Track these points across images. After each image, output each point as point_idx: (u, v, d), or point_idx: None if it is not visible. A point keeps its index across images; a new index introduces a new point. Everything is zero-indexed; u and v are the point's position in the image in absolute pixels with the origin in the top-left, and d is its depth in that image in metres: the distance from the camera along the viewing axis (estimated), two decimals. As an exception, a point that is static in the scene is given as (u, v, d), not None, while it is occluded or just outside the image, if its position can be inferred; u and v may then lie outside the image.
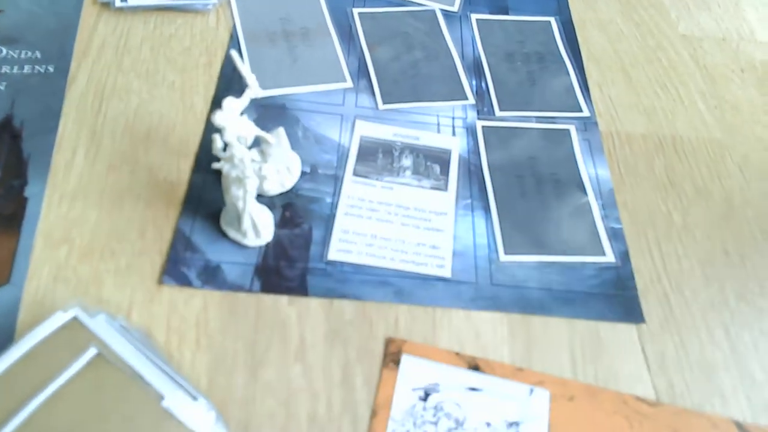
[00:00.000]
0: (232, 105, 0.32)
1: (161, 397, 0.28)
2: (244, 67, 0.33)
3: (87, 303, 0.31)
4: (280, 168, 0.37)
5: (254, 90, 0.33)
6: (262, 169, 0.35)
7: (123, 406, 0.28)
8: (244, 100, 0.33)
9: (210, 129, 0.39)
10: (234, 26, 0.45)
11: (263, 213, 0.35)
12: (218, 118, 0.31)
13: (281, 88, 0.42)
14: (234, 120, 0.33)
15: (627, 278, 0.36)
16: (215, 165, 0.34)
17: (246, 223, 0.34)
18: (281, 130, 0.37)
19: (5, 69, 0.42)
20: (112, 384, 0.28)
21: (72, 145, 0.38)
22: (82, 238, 0.34)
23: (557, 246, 0.36)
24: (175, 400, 0.28)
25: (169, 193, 0.36)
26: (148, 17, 0.45)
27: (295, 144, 0.38)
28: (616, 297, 0.35)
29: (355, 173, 0.38)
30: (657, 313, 0.36)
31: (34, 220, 0.35)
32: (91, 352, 0.29)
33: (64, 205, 0.36)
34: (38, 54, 0.43)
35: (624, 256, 0.37)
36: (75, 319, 0.30)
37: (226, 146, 0.33)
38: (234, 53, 0.32)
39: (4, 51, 0.42)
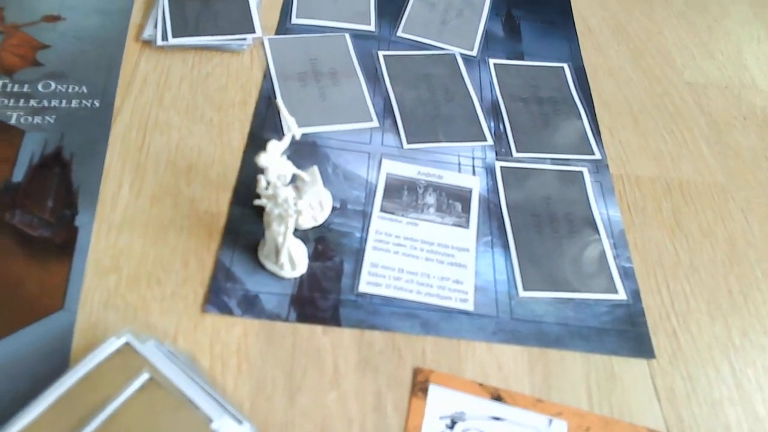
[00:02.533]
0: (275, 147, 0.35)
1: (210, 421, 0.30)
2: (286, 112, 0.35)
3: (137, 329, 0.33)
4: (314, 203, 0.40)
5: (294, 132, 0.36)
6: (297, 205, 0.37)
7: (175, 429, 0.30)
8: (285, 141, 0.35)
9: (247, 164, 0.42)
10: (267, 66, 0.48)
11: (299, 247, 0.38)
12: (263, 159, 0.34)
13: (312, 126, 0.44)
14: (276, 161, 0.35)
15: (638, 315, 0.39)
16: (257, 202, 0.36)
17: (284, 257, 0.36)
18: (315, 169, 0.40)
19: (54, 103, 0.44)
20: (164, 407, 0.30)
21: (118, 177, 0.41)
22: (129, 267, 0.37)
23: (572, 283, 0.39)
24: (222, 424, 0.30)
25: (210, 224, 0.39)
26: (186, 56, 0.48)
27: (325, 180, 0.41)
28: (627, 333, 0.38)
29: (383, 209, 0.41)
30: (666, 348, 0.38)
31: (85, 248, 0.37)
32: (144, 376, 0.31)
33: (112, 234, 0.38)
34: (84, 89, 0.45)
35: (635, 294, 0.39)
36: (127, 344, 0.32)
37: (267, 185, 0.35)
38: (279, 101, 0.35)
39: (53, 85, 0.45)
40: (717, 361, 0.38)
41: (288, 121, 0.35)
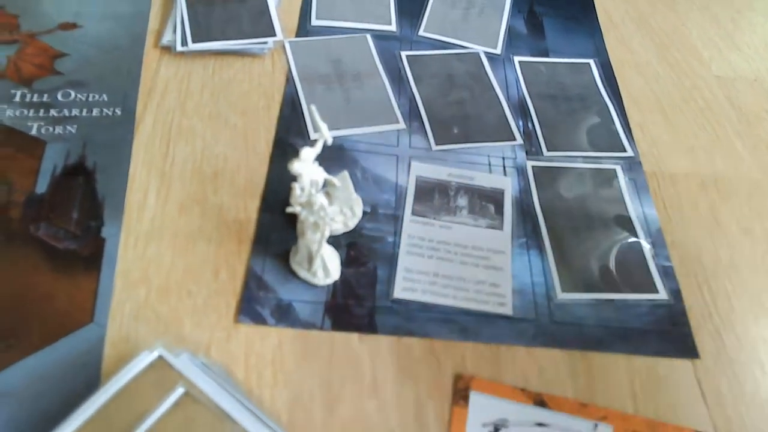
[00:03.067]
0: (309, 153, 0.34)
1: (249, 435, 0.29)
2: (318, 117, 0.35)
3: (169, 342, 0.33)
4: (345, 209, 0.39)
5: (326, 137, 0.35)
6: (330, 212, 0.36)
7: (214, 444, 0.29)
8: (317, 148, 0.34)
9: (274, 170, 0.41)
10: (289, 69, 0.47)
11: (332, 253, 0.37)
12: (297, 166, 0.33)
13: (338, 130, 0.44)
14: (309, 167, 0.34)
15: (680, 315, 0.37)
16: (290, 209, 0.35)
17: (317, 264, 0.35)
18: (346, 174, 0.39)
19: (75, 112, 0.43)
20: (201, 422, 0.29)
21: (143, 186, 0.40)
22: (159, 278, 0.36)
23: (611, 284, 0.38)
24: (262, 437, 0.29)
25: (239, 233, 0.38)
26: (207, 61, 0.47)
27: (355, 185, 0.40)
28: (670, 333, 0.36)
29: (414, 213, 0.40)
30: (710, 349, 0.37)
31: (113, 260, 0.36)
32: (179, 391, 0.30)
33: (140, 245, 0.37)
34: (105, 97, 0.45)
35: (676, 293, 0.38)
36: (160, 358, 0.31)
37: (301, 192, 0.34)
38: (312, 107, 0.34)
39: (73, 94, 0.45)
40: (763, 360, 0.37)
41: (320, 126, 0.35)
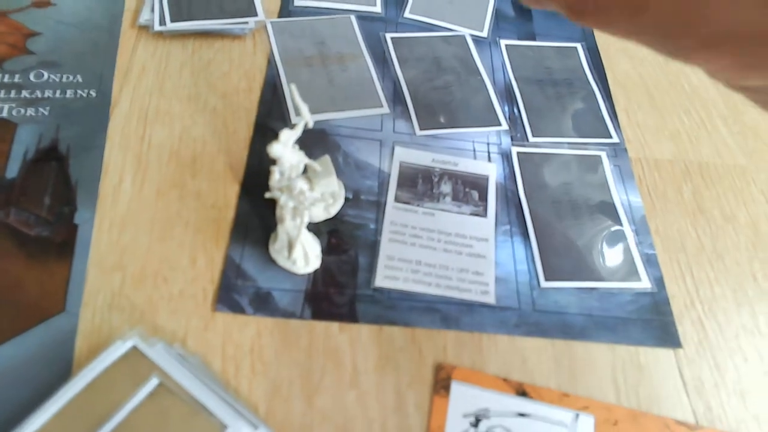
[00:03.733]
0: (288, 136, 0.33)
1: (224, 427, 0.28)
2: (299, 99, 0.34)
3: (144, 331, 0.32)
4: (326, 195, 0.38)
5: (307, 120, 0.34)
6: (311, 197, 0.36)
7: (189, 436, 0.28)
8: (298, 130, 0.34)
9: (254, 154, 0.40)
10: (271, 51, 0.46)
11: (312, 241, 0.36)
12: (275, 149, 0.32)
13: (320, 113, 0.42)
14: (289, 150, 0.33)
15: (663, 304, 0.37)
16: (269, 194, 0.34)
17: (297, 252, 0.35)
18: (327, 158, 0.38)
19: (48, 93, 0.42)
20: (176, 414, 0.29)
21: (119, 170, 0.39)
22: (134, 265, 0.35)
23: (595, 272, 0.37)
24: (238, 429, 0.28)
25: (218, 219, 0.37)
26: (186, 41, 0.46)
27: (337, 170, 0.39)
28: (653, 322, 0.36)
29: (397, 199, 0.39)
30: (692, 338, 0.37)
31: (86, 246, 0.35)
32: (153, 382, 0.29)
33: (114, 231, 0.36)
34: (80, 78, 0.43)
35: (659, 281, 0.38)
36: (134, 348, 0.31)
37: (280, 176, 0.33)
38: (293, 87, 0.33)
39: (46, 75, 0.43)
40: (745, 349, 0.37)
41: (301, 108, 0.34)
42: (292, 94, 0.34)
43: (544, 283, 0.37)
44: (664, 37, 0.21)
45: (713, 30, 0.20)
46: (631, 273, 0.38)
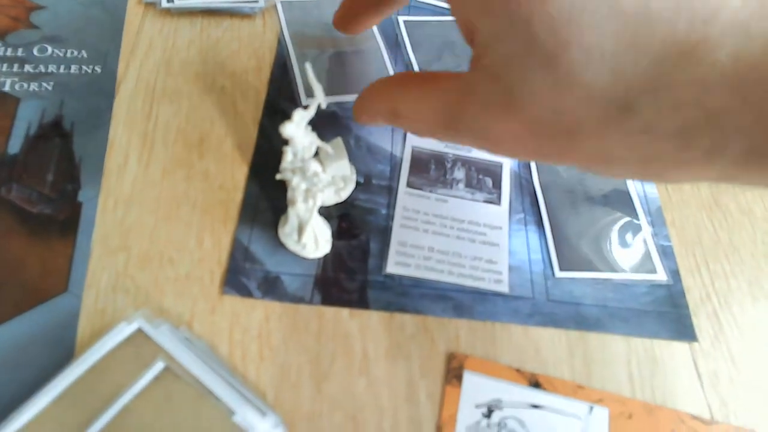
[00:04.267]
0: (302, 116, 0.32)
1: (232, 413, 0.28)
2: (314, 78, 0.33)
3: (149, 313, 0.31)
4: (337, 178, 0.37)
5: (321, 101, 0.33)
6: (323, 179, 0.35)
7: (194, 423, 0.27)
8: (311, 111, 0.33)
9: (263, 135, 0.39)
10: (281, 31, 0.45)
11: (323, 225, 0.35)
12: (288, 129, 0.31)
13: (332, 96, 0.41)
14: (302, 131, 0.32)
15: (678, 296, 0.36)
16: (280, 176, 0.33)
17: (307, 236, 0.34)
18: (339, 140, 0.37)
19: (52, 68, 0.41)
20: (182, 399, 0.28)
21: (124, 148, 0.38)
22: (139, 246, 0.34)
23: (611, 263, 0.37)
24: (245, 416, 0.28)
25: (225, 200, 0.36)
26: (194, 19, 0.45)
27: (348, 154, 0.38)
28: (668, 315, 0.36)
29: (409, 185, 0.38)
30: (708, 331, 0.36)
31: (90, 225, 0.34)
32: (159, 365, 0.29)
33: (119, 210, 0.35)
34: (84, 54, 0.42)
35: (675, 274, 0.37)
36: (139, 330, 0.30)
37: (293, 157, 0.33)
38: (308, 65, 0.32)
39: (50, 49, 0.42)
40: (761, 343, 0.36)
41: (315, 88, 0.33)
42: (306, 72, 0.33)
43: (558, 273, 0.36)
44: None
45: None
46: (647, 265, 0.37)
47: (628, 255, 0.37)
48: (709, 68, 0.19)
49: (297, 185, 0.32)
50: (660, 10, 0.19)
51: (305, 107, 0.32)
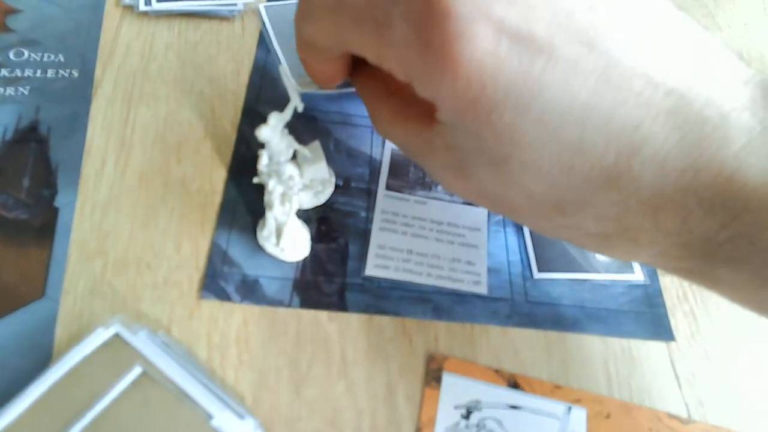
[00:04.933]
0: (278, 119, 0.32)
1: (210, 417, 0.28)
2: (291, 80, 0.33)
3: (127, 318, 0.31)
4: (315, 182, 0.37)
5: (297, 104, 0.33)
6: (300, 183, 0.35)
7: (172, 427, 0.27)
8: (287, 114, 0.33)
9: (241, 139, 0.39)
10: (261, 35, 0.45)
11: (302, 228, 0.35)
12: (264, 132, 0.31)
13: (312, 100, 0.41)
14: (278, 135, 0.32)
15: (655, 296, 0.37)
16: (257, 179, 0.33)
17: (286, 239, 0.34)
18: (317, 144, 0.37)
19: (28, 72, 0.41)
20: (160, 404, 0.28)
21: (101, 153, 0.37)
22: (116, 251, 0.34)
23: (588, 263, 0.37)
24: (223, 420, 0.28)
25: (203, 205, 0.36)
26: (172, 22, 0.45)
27: (327, 157, 0.38)
28: (646, 314, 0.36)
29: (388, 187, 0.38)
30: (685, 330, 0.36)
31: (67, 231, 0.34)
32: (137, 370, 0.28)
33: (96, 215, 0.35)
34: (61, 57, 0.42)
35: (652, 273, 0.38)
36: (117, 335, 0.30)
37: (269, 161, 0.32)
38: (284, 68, 0.32)
39: (26, 53, 0.42)
40: (737, 342, 0.36)
41: (290, 90, 0.33)
42: (282, 74, 0.33)
43: (537, 274, 0.36)
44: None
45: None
46: (624, 265, 0.38)
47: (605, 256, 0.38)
48: (629, 194, 0.22)
49: (273, 188, 0.32)
50: (593, 142, 0.22)
51: (281, 110, 0.32)
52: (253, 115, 0.40)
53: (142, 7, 0.44)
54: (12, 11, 0.44)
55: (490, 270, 0.36)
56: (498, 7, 0.21)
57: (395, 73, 0.25)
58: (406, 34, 0.23)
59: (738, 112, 0.21)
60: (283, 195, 0.32)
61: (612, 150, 0.21)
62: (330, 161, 0.39)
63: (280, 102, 0.41)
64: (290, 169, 0.31)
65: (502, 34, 0.21)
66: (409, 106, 0.29)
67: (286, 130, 0.34)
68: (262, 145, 0.32)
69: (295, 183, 0.31)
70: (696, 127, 0.21)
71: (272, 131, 0.33)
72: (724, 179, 0.21)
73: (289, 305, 0.33)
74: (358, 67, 0.32)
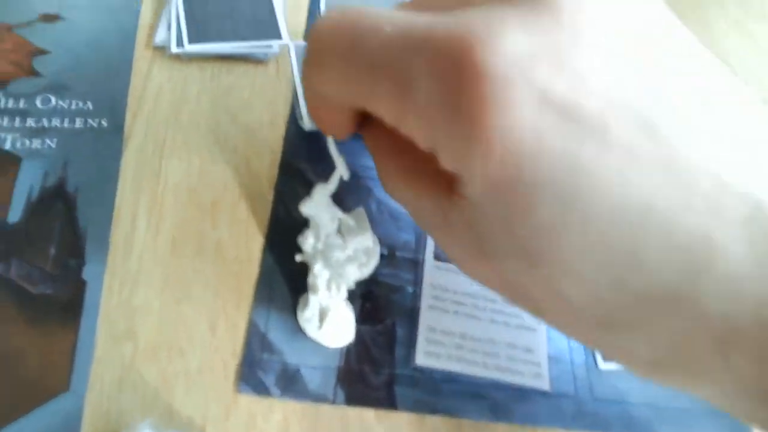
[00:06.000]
0: (322, 192, 0.29)
1: None
2: (335, 150, 0.30)
3: (157, 418, 0.28)
4: (359, 253, 0.34)
5: (343, 173, 0.30)
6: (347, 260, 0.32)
7: None
8: (332, 185, 0.30)
9: (280, 199, 0.36)
10: (293, 78, 0.42)
11: (347, 309, 0.32)
12: (307, 208, 0.29)
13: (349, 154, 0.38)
14: (323, 209, 0.30)
15: (733, 388, 0.33)
16: (299, 257, 0.31)
17: (330, 323, 0.31)
18: (362, 211, 0.34)
19: (55, 122, 0.38)
20: None
21: (131, 213, 0.35)
22: (147, 332, 0.31)
23: (659, 350, 0.33)
24: None
25: (240, 276, 0.33)
26: (204, 65, 0.42)
27: (369, 221, 0.35)
28: (726, 416, 0.32)
29: (436, 257, 0.35)
30: None
31: (95, 308, 0.32)
32: (168, 484, 0.26)
33: (125, 290, 0.32)
34: (90, 105, 0.39)
35: (729, 361, 0.34)
36: (147, 441, 0.27)
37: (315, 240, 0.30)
38: (330, 140, 0.29)
39: (54, 100, 0.39)
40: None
41: (335, 158, 0.30)
42: (329, 147, 0.30)
43: (602, 365, 0.33)
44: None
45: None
46: (699, 351, 0.34)
47: (678, 341, 0.34)
48: (692, 323, 0.18)
49: (319, 273, 0.29)
50: (651, 255, 0.17)
51: (326, 180, 0.29)
52: (291, 171, 0.37)
53: (174, 49, 0.41)
54: (39, 52, 0.41)
55: (550, 359, 0.33)
56: (543, 71, 0.17)
57: (416, 140, 0.20)
58: (430, 93, 0.18)
59: None
60: (331, 280, 0.29)
61: (675, 266, 0.17)
62: (373, 226, 0.36)
63: (318, 156, 0.38)
64: (341, 254, 0.29)
65: (545, 104, 0.17)
66: (425, 163, 0.23)
67: (331, 201, 0.31)
68: (302, 215, 0.29)
69: (345, 269, 0.28)
70: None
71: (316, 206, 0.30)
72: None
73: (334, 401, 0.30)
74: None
